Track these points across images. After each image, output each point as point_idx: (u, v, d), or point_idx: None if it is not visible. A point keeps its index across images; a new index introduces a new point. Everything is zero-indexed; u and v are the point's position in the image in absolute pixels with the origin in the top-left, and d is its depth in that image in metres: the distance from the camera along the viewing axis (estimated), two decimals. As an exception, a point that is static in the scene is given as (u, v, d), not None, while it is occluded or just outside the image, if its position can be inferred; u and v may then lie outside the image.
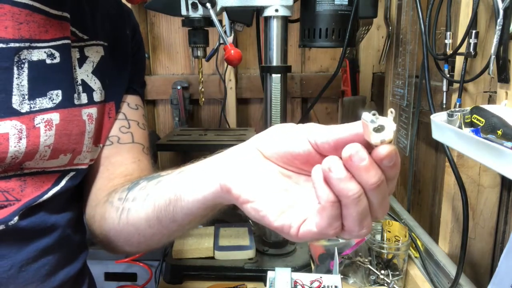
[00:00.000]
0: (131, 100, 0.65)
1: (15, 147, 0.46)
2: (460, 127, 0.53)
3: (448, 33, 0.73)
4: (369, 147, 0.31)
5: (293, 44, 1.42)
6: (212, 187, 0.41)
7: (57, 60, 0.50)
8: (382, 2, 1.03)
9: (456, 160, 0.70)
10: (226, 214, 1.03)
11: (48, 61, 0.49)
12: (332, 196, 0.33)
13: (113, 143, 0.61)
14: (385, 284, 0.77)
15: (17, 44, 0.46)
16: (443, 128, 0.54)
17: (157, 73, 1.50)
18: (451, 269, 0.73)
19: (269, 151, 0.38)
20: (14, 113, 0.46)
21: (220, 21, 0.73)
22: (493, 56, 0.58)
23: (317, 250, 0.84)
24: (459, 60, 0.71)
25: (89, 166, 0.57)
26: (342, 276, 0.72)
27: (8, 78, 0.46)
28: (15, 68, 0.46)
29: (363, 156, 0.31)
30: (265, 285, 0.70)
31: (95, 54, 0.57)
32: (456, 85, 0.72)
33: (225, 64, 1.40)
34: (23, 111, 0.46)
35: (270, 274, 0.67)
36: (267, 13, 0.75)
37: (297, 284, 0.66)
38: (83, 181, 0.59)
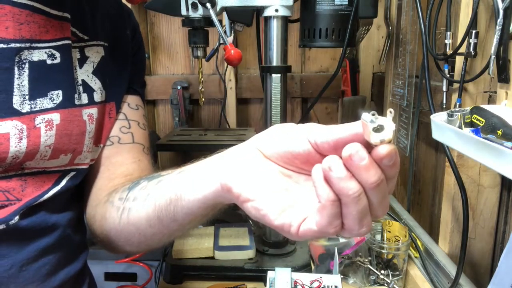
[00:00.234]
0: (131, 100, 0.66)
1: (15, 147, 0.46)
2: (460, 127, 0.53)
3: (448, 33, 0.73)
4: (369, 147, 0.32)
5: (293, 44, 1.42)
6: (213, 186, 0.41)
7: (58, 60, 0.50)
8: (382, 2, 1.03)
9: (456, 160, 0.70)
10: (226, 214, 1.03)
11: (49, 61, 0.49)
12: (332, 195, 0.33)
13: (113, 143, 0.61)
14: (385, 284, 0.77)
15: (18, 45, 0.46)
16: (443, 128, 0.54)
17: (157, 73, 1.50)
18: (451, 269, 0.73)
19: (269, 151, 0.38)
20: (15, 113, 0.46)
21: (220, 21, 0.73)
22: (493, 56, 0.58)
23: (317, 250, 0.84)
24: (459, 60, 0.72)
25: (89, 166, 0.57)
26: (342, 276, 0.72)
27: (9, 78, 0.46)
28: (15, 68, 0.46)
29: (363, 156, 0.31)
30: (265, 285, 0.70)
31: (95, 54, 0.57)
32: (456, 85, 0.72)
33: (225, 64, 1.40)
34: (23, 111, 0.47)
35: (270, 274, 0.67)
36: (267, 13, 0.75)
37: (297, 284, 0.66)
38: (84, 181, 0.59)
